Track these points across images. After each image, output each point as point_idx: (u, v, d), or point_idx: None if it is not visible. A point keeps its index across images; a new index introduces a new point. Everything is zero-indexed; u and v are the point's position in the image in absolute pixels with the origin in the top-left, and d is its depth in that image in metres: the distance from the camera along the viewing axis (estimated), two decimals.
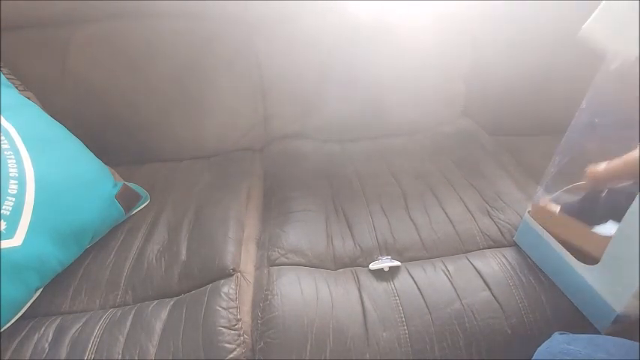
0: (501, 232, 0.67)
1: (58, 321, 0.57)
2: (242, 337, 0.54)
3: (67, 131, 0.71)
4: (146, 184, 0.80)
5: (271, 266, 0.63)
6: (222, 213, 0.72)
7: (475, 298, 0.56)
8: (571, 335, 0.45)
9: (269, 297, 0.57)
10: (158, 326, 0.54)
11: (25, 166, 0.58)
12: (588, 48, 0.42)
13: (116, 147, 0.89)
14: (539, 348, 0.45)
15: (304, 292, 0.57)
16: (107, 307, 0.60)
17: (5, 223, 0.54)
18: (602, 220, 0.49)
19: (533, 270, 0.59)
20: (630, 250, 0.40)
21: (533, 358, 0.45)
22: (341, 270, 0.64)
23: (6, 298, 0.53)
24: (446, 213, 0.71)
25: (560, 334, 0.46)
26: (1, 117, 0.61)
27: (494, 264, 0.61)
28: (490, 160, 0.85)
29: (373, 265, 0.61)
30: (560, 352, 0.42)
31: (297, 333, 0.53)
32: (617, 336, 0.41)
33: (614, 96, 0.46)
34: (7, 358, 0.52)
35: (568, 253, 0.50)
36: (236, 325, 0.55)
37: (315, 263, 0.64)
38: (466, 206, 0.72)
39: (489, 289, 0.57)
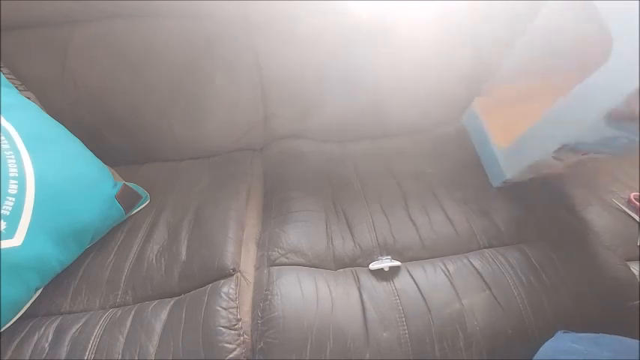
0: (501, 232, 0.67)
1: (58, 321, 0.57)
2: (242, 337, 0.54)
3: (67, 131, 0.71)
4: (146, 184, 0.80)
5: (271, 266, 0.63)
6: (222, 213, 0.72)
7: (475, 298, 0.56)
8: (575, 334, 0.45)
9: (269, 297, 0.57)
10: (158, 326, 0.55)
11: (25, 166, 0.58)
12: None
13: (116, 147, 0.89)
14: (544, 346, 0.45)
15: (304, 292, 0.57)
16: (107, 307, 0.60)
17: (5, 223, 0.54)
18: None
19: (534, 270, 0.59)
20: (527, 151, 0.65)
21: (537, 355, 0.45)
22: (341, 270, 0.64)
23: (6, 298, 0.53)
24: (446, 213, 0.71)
25: (564, 332, 0.46)
26: (1, 117, 0.61)
27: (494, 264, 0.61)
28: None
29: (373, 265, 0.61)
30: (565, 350, 0.42)
31: (297, 333, 0.53)
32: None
33: None
34: (7, 358, 0.52)
35: (492, 136, 0.76)
36: (236, 325, 0.55)
37: (315, 263, 0.64)
38: (466, 206, 0.72)
39: (489, 289, 0.57)
